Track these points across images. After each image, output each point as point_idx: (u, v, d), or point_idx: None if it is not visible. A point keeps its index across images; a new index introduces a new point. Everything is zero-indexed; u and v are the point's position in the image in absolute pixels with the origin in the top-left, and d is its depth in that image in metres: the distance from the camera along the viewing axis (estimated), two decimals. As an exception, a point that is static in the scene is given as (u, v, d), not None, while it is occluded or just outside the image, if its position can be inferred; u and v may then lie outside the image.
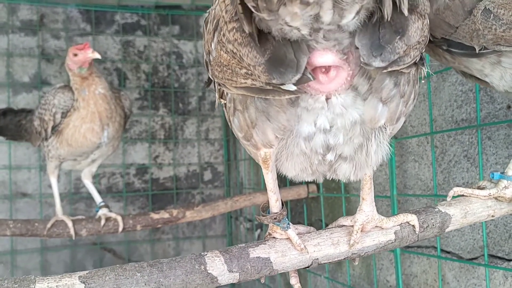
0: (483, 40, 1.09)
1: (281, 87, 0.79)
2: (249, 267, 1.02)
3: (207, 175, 4.11)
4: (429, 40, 1.21)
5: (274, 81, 0.78)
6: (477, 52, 1.12)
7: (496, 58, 1.15)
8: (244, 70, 0.81)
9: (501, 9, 1.04)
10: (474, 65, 1.21)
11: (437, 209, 1.18)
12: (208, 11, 0.97)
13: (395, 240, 1.13)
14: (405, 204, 2.11)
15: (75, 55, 2.22)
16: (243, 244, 1.06)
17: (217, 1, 0.89)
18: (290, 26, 0.73)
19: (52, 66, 3.66)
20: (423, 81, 1.00)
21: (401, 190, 2.11)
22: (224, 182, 4.15)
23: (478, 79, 1.27)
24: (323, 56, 0.80)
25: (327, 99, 0.88)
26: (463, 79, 1.77)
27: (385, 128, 0.94)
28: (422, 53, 0.89)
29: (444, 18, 1.14)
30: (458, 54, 1.20)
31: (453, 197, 1.25)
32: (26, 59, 3.59)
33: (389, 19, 0.75)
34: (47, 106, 2.29)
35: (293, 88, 0.79)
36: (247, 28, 0.75)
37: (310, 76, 0.78)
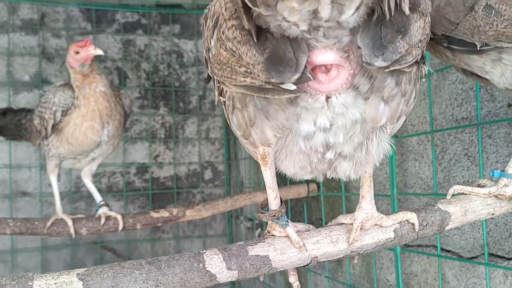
0: (484, 37, 1.09)
1: (281, 86, 0.79)
2: (248, 265, 1.02)
3: (208, 174, 4.11)
4: (430, 37, 1.20)
5: (273, 80, 0.77)
6: (478, 48, 1.12)
7: (497, 55, 1.14)
8: (243, 69, 0.81)
9: (503, 5, 1.03)
10: (474, 62, 1.21)
11: (436, 207, 1.18)
12: (208, 7, 0.96)
13: (394, 238, 1.12)
14: (405, 202, 2.10)
15: (77, 52, 2.21)
16: (242, 242, 1.06)
17: None
18: (288, 21, 0.72)
19: (53, 65, 3.66)
20: (424, 80, 1.00)
21: (402, 189, 2.11)
22: (225, 181, 4.15)
23: (479, 76, 1.27)
24: (323, 55, 0.80)
25: (327, 98, 0.87)
26: (463, 77, 1.77)
27: (385, 127, 0.94)
28: (423, 51, 0.88)
29: (445, 15, 1.14)
30: (458, 51, 1.19)
31: (453, 195, 1.25)
32: (26, 58, 3.59)
33: (390, 18, 0.74)
34: (47, 104, 2.29)
35: (293, 87, 0.78)
36: (246, 23, 0.74)
37: (309, 75, 0.78)
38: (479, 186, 1.25)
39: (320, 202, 2.65)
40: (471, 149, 1.77)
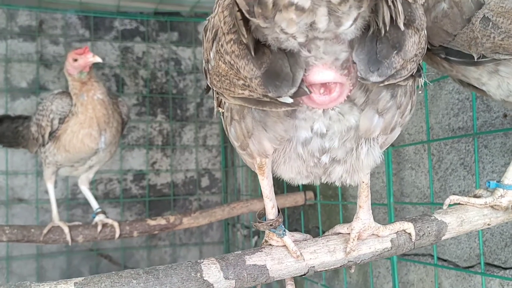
0: (482, 49, 1.10)
1: (278, 99, 0.79)
2: (245, 274, 1.02)
3: (205, 182, 4.11)
4: (427, 48, 1.21)
5: (270, 94, 0.78)
6: (475, 60, 1.13)
7: (494, 66, 1.15)
8: (241, 82, 0.82)
9: (500, 17, 1.05)
10: (471, 73, 1.22)
11: (433, 217, 1.18)
12: (207, 18, 0.97)
13: (391, 248, 1.13)
14: (402, 211, 2.11)
15: (75, 60, 2.22)
16: (239, 251, 1.06)
17: (216, 10, 0.89)
18: (286, 33, 0.72)
19: (51, 72, 3.67)
20: (420, 92, 1.01)
21: (398, 198, 2.11)
22: (222, 188, 4.15)
23: (475, 87, 1.28)
24: (323, 73, 0.79)
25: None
26: (460, 87, 1.78)
27: (377, 137, 0.95)
28: (419, 64, 0.89)
29: (442, 26, 1.15)
30: (456, 63, 1.20)
31: (449, 205, 1.25)
32: (24, 65, 3.60)
33: (385, 33, 0.75)
34: (45, 112, 2.29)
35: (290, 100, 0.79)
36: (244, 36, 0.75)
37: (306, 89, 0.78)
38: (475, 196, 1.25)
39: (317, 210, 2.65)
40: (467, 159, 1.78)
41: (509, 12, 1.04)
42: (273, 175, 1.07)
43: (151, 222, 2.48)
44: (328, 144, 0.95)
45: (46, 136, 2.30)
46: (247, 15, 0.71)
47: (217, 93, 0.96)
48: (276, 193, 1.09)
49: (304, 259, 1.06)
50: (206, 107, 4.11)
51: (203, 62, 0.99)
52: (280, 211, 1.10)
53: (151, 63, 3.95)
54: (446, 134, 1.87)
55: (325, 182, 1.07)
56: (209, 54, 0.90)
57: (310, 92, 0.79)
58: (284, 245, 1.07)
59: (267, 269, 1.04)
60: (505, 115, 1.65)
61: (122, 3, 3.51)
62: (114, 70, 3.84)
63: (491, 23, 1.06)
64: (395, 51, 0.78)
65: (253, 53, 0.76)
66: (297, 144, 0.95)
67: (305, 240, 1.12)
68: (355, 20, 0.72)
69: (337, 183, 1.05)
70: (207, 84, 1.03)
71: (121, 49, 3.87)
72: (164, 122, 3.97)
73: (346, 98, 0.84)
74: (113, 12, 3.73)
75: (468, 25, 1.10)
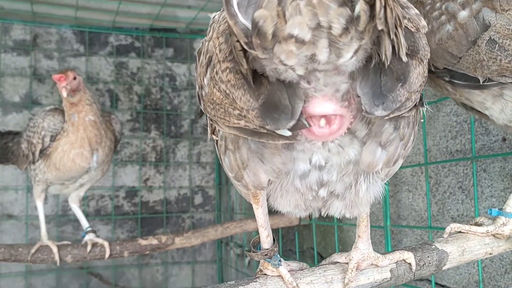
0: (488, 71, 1.07)
1: (276, 132, 0.76)
2: (238, 306, 0.98)
3: (198, 199, 4.06)
4: (431, 70, 1.18)
5: (267, 127, 0.75)
6: (481, 83, 1.10)
7: (499, 90, 1.13)
8: (237, 112, 0.78)
9: (507, 39, 1.02)
10: (475, 97, 1.19)
11: (433, 246, 1.15)
12: (201, 41, 0.94)
13: (390, 278, 1.09)
14: (399, 234, 2.07)
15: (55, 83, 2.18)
16: (233, 282, 1.01)
17: (210, 35, 0.86)
18: (285, 65, 0.69)
19: (44, 86, 3.63)
20: (422, 120, 0.97)
21: (395, 220, 2.07)
22: (215, 206, 4.09)
23: (478, 111, 1.25)
24: (323, 105, 0.76)
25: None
26: (458, 110, 1.76)
27: (379, 171, 0.91)
28: (421, 94, 0.86)
29: (447, 48, 1.12)
30: (460, 86, 1.17)
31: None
32: (17, 79, 3.56)
33: (388, 64, 0.71)
34: (36, 129, 2.24)
35: (288, 133, 0.75)
36: (244, 67, 0.71)
37: (305, 122, 0.75)
38: (476, 224, 1.22)
39: (312, 231, 2.61)
40: (466, 182, 1.75)
41: None
42: (269, 208, 1.03)
43: (142, 242, 2.43)
44: (326, 177, 0.90)
45: (37, 153, 2.25)
46: (245, 46, 0.68)
47: (211, 120, 0.92)
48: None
49: (300, 291, 1.01)
50: (200, 124, 4.08)
51: (197, 86, 0.95)
52: (276, 239, 1.06)
53: (145, 79, 3.92)
54: (443, 157, 1.85)
55: (324, 215, 1.03)
56: (203, 79, 0.87)
57: (310, 125, 0.76)
58: (280, 275, 1.02)
59: (262, 301, 1.00)
60: (504, 139, 1.62)
61: (118, 18, 3.50)
62: (108, 86, 3.81)
63: (497, 45, 1.03)
64: (400, 84, 0.74)
65: (252, 84, 0.73)
66: (295, 177, 0.90)
67: (301, 270, 1.08)
68: (356, 52, 0.68)
69: (337, 216, 1.01)
70: (201, 109, 0.99)
71: (116, 65, 3.84)
72: (158, 138, 3.93)
73: (346, 131, 0.80)
74: (108, 27, 3.72)
75: (474, 47, 1.07)
